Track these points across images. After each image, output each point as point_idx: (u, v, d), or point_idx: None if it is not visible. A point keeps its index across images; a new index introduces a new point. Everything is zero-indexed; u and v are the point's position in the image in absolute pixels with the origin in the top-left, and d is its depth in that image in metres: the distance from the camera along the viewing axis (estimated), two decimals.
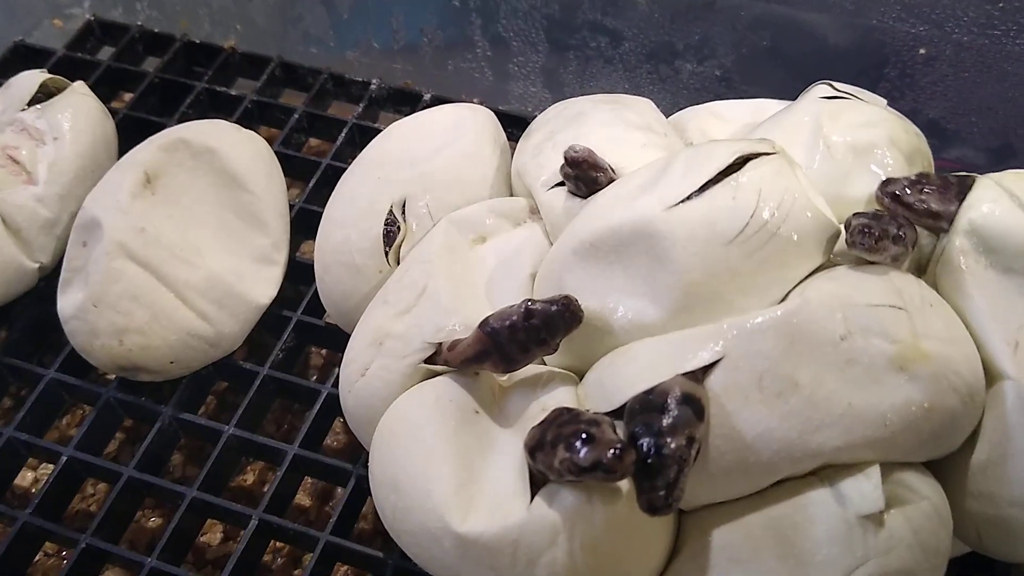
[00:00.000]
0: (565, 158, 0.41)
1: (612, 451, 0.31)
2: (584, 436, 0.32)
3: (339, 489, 0.51)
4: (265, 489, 0.48)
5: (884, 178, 0.39)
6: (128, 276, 0.46)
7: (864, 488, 0.34)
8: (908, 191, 0.39)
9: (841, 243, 0.39)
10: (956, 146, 0.42)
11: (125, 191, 0.48)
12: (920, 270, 0.40)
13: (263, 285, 0.50)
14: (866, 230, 0.36)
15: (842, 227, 0.38)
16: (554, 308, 0.36)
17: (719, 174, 0.37)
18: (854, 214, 0.38)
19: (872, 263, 0.37)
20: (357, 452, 0.46)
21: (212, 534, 0.50)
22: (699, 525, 0.36)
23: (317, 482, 0.51)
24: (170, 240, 0.47)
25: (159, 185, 0.49)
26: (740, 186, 0.37)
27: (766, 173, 0.37)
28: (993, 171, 0.40)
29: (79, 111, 0.53)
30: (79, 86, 0.55)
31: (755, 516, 0.35)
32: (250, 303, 0.49)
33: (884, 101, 0.45)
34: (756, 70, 0.54)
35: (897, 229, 0.37)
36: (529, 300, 0.36)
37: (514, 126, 0.53)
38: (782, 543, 0.34)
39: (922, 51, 0.50)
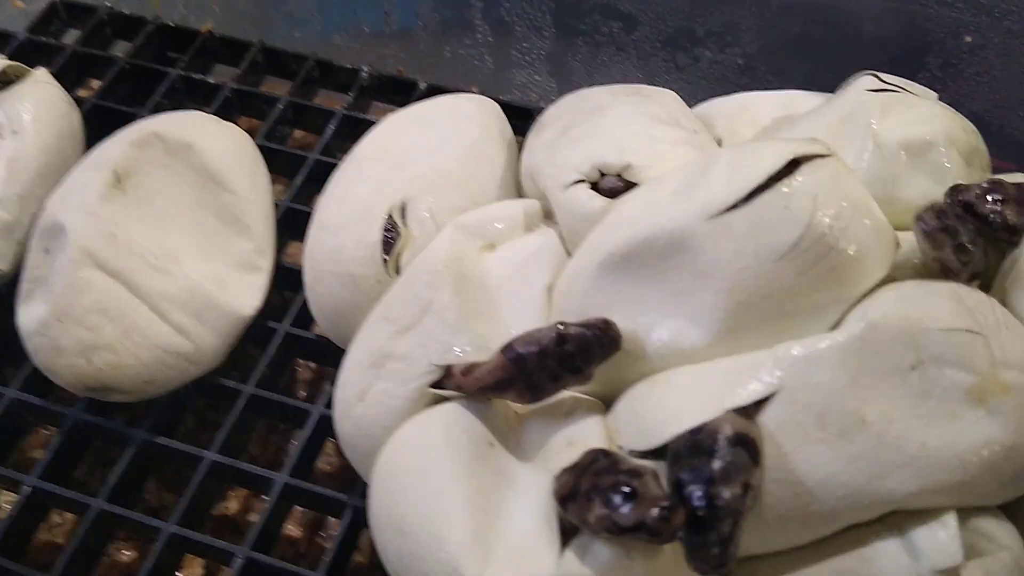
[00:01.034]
0: (601, 190, 0.37)
1: (658, 510, 0.27)
2: (626, 491, 0.28)
3: (330, 519, 0.47)
4: (251, 518, 0.44)
5: (951, 184, 0.35)
6: (96, 287, 0.41)
7: (940, 539, 0.30)
8: (982, 200, 0.35)
9: (900, 255, 0.35)
10: (1002, 144, 0.38)
11: (92, 192, 0.43)
12: (985, 288, 0.36)
13: (247, 294, 0.46)
14: (941, 216, 0.32)
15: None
16: (591, 333, 0.32)
17: (768, 179, 0.33)
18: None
19: (942, 277, 0.33)
20: (351, 477, 0.42)
21: (192, 569, 0.45)
22: None
23: (308, 510, 0.47)
24: (143, 247, 0.43)
25: (130, 185, 0.44)
26: (793, 193, 0.33)
27: (822, 178, 0.33)
28: None
29: (41, 102, 0.48)
30: (41, 74, 0.50)
31: (814, 570, 0.31)
32: (232, 315, 0.45)
33: (935, 95, 0.41)
34: (783, 59, 0.49)
35: (970, 240, 0.33)
36: (561, 323, 0.32)
37: (517, 118, 0.49)
38: None
39: (968, 39, 0.45)
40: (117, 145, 0.45)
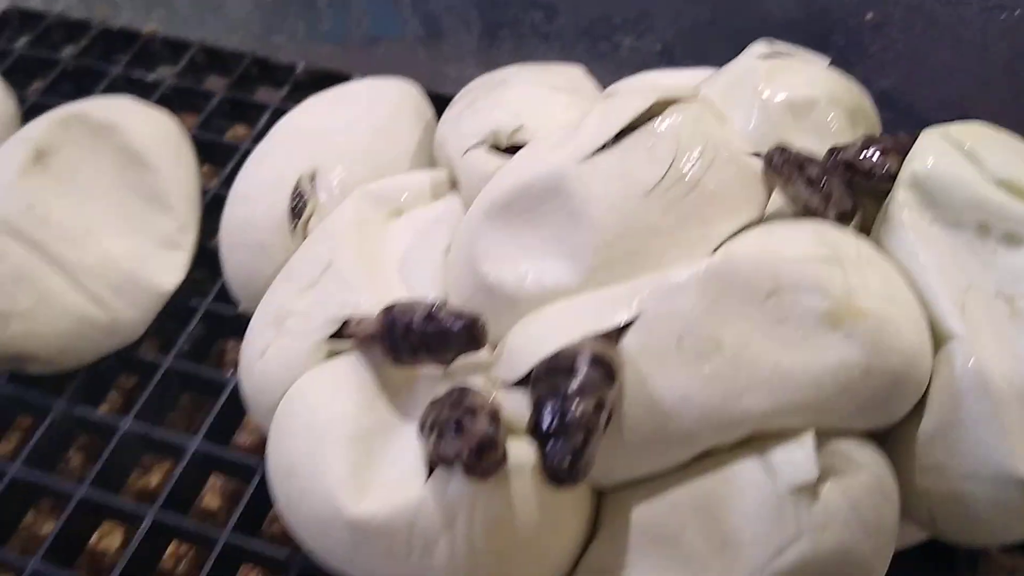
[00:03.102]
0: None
1: (474, 446, 0.29)
2: (456, 424, 0.30)
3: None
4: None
5: (829, 144, 0.36)
6: (12, 256, 0.42)
7: (796, 457, 0.31)
8: (862, 156, 0.36)
9: (773, 204, 0.36)
10: (909, 119, 0.39)
11: (13, 167, 0.44)
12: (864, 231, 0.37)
13: (166, 270, 0.47)
14: (784, 151, 0.34)
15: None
16: (456, 325, 0.32)
17: (635, 122, 0.34)
18: None
19: (805, 213, 0.34)
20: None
21: (111, 539, 0.46)
22: (618, 504, 0.33)
23: (228, 482, 0.47)
24: (61, 219, 0.44)
25: (52, 162, 0.45)
26: (657, 134, 0.34)
27: (686, 120, 0.34)
28: None
29: None
30: None
31: (678, 491, 0.32)
32: (151, 289, 0.46)
33: (827, 61, 0.42)
34: (697, 44, 0.51)
35: (820, 173, 0.34)
36: (437, 304, 0.33)
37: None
38: (708, 520, 0.31)
39: (869, 15, 0.47)
40: (40, 124, 0.46)
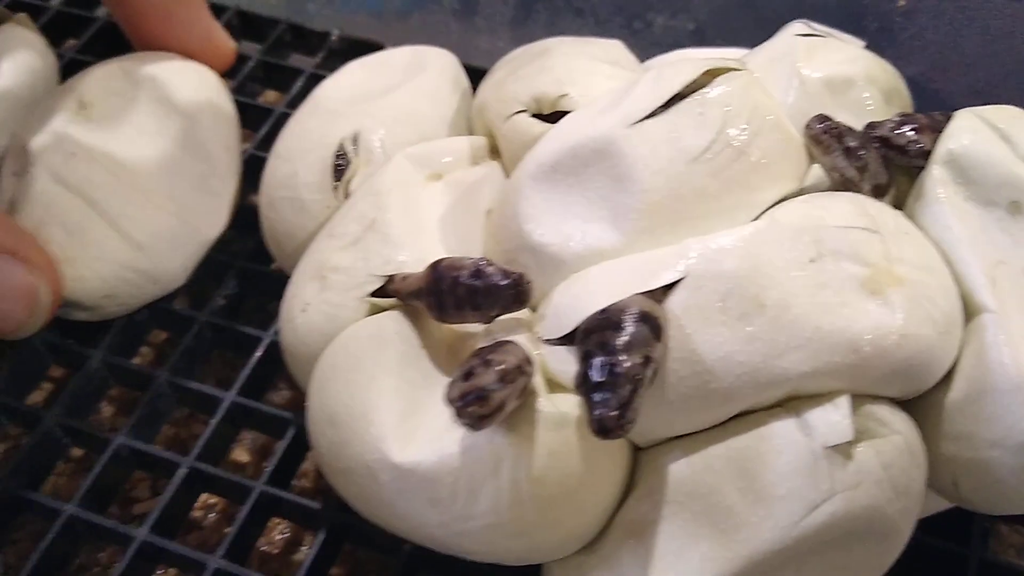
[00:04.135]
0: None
1: (462, 393, 0.30)
2: (466, 372, 0.31)
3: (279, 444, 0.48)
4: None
5: (868, 121, 0.37)
6: (57, 203, 0.43)
7: (832, 417, 0.31)
8: (897, 132, 0.37)
9: (813, 175, 0.36)
10: (938, 106, 0.40)
11: (57, 117, 0.45)
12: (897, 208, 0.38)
13: (209, 219, 0.47)
14: (826, 120, 0.35)
15: None
16: (503, 281, 0.33)
17: (685, 90, 0.35)
18: None
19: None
20: (301, 405, 0.43)
21: (141, 489, 0.47)
22: (655, 461, 0.34)
23: (257, 438, 0.48)
24: (104, 167, 0.44)
25: (95, 112, 0.46)
26: (706, 101, 0.35)
27: (735, 89, 0.35)
28: None
29: (20, 43, 0.51)
30: (22, 17, 0.52)
31: (715, 448, 0.32)
32: (192, 236, 0.47)
33: (862, 43, 0.43)
34: (730, 25, 0.52)
35: (858, 144, 0.35)
36: (486, 260, 0.34)
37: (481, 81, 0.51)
38: (743, 476, 0.32)
39: (901, 2, 0.48)
40: (85, 76, 0.47)
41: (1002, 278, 0.35)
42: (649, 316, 0.31)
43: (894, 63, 0.43)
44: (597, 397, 0.30)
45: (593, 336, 0.31)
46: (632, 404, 0.29)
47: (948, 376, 0.34)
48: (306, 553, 0.41)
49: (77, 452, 0.47)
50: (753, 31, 0.47)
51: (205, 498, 0.46)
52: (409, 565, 0.40)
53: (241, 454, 0.48)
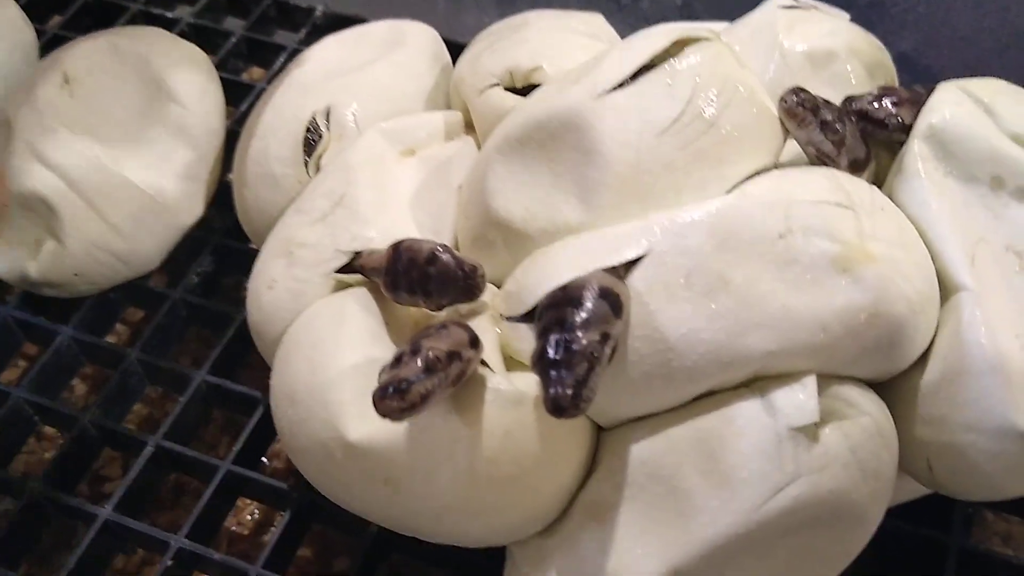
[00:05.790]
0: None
1: (382, 385, 0.29)
2: (395, 359, 0.30)
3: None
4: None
5: (846, 95, 0.36)
6: (34, 178, 0.43)
7: (797, 398, 0.30)
8: (876, 105, 0.36)
9: (787, 151, 0.35)
10: (927, 81, 0.39)
11: (39, 90, 0.44)
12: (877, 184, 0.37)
13: (186, 203, 0.47)
14: (800, 93, 0.33)
15: None
16: (457, 271, 0.32)
17: (654, 59, 0.34)
18: None
19: (820, 163, 0.34)
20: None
21: (113, 468, 0.46)
22: (617, 441, 0.33)
23: (230, 416, 0.48)
24: (84, 145, 0.44)
25: (79, 87, 0.45)
26: (675, 72, 0.34)
27: (705, 59, 0.34)
28: None
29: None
30: None
31: (679, 429, 0.31)
32: (169, 221, 0.46)
33: (847, 16, 0.42)
34: (719, 1, 0.50)
35: (835, 118, 0.34)
36: (443, 246, 0.33)
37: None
38: (706, 458, 0.31)
39: None
40: (70, 49, 0.47)
41: (982, 256, 0.33)
42: (609, 292, 0.30)
43: (885, 38, 0.42)
44: (552, 375, 0.29)
45: (551, 312, 0.30)
46: (588, 383, 0.28)
47: (923, 357, 0.33)
48: (274, 533, 0.40)
49: (49, 430, 0.47)
50: (741, 6, 0.45)
51: (176, 477, 0.45)
52: (375, 545, 0.39)
53: (214, 433, 0.47)
